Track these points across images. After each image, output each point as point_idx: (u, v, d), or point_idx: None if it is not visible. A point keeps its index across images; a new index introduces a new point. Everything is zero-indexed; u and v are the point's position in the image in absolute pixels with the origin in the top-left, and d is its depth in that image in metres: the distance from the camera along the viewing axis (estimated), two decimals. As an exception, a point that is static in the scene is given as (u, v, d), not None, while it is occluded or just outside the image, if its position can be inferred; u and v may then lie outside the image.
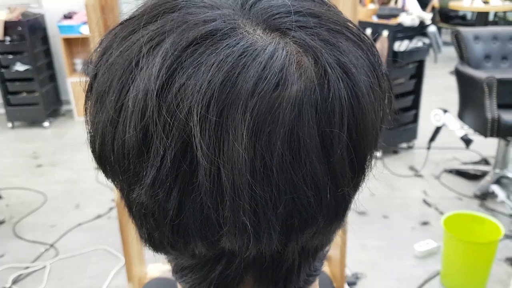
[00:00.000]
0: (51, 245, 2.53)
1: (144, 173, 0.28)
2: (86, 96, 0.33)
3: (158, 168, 0.27)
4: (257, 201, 0.27)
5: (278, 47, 0.27)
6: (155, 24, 0.29)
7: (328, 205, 0.29)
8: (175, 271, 0.36)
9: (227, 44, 0.27)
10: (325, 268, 1.90)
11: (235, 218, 0.27)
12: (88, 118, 0.32)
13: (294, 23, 0.29)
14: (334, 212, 0.31)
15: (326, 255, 0.37)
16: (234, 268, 0.32)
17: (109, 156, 0.30)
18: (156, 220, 0.29)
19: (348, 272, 2.19)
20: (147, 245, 0.34)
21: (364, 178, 0.33)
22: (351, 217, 2.60)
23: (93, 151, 0.32)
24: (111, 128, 0.29)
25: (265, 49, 0.27)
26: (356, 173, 0.30)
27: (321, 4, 0.32)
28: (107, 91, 0.29)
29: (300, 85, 0.27)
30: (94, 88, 0.31)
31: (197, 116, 0.26)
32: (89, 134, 0.32)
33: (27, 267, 2.36)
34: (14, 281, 2.27)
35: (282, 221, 0.28)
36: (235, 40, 0.27)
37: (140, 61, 0.28)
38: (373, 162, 0.32)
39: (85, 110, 0.33)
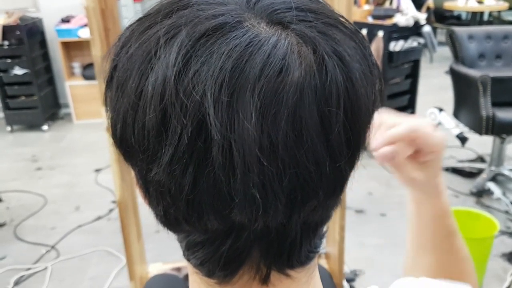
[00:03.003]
0: (52, 247, 2.55)
1: (163, 152, 0.31)
2: (107, 86, 0.36)
3: (176, 146, 0.30)
4: (264, 175, 0.30)
5: (280, 38, 0.31)
6: (170, 19, 0.32)
7: (327, 180, 0.32)
8: (187, 248, 0.38)
9: (235, 35, 0.30)
10: (324, 265, 1.93)
11: (245, 190, 0.30)
12: (108, 106, 0.35)
13: (294, 17, 0.32)
14: (333, 186, 0.34)
15: (324, 234, 0.40)
16: (243, 241, 0.35)
17: (129, 138, 0.33)
18: (172, 197, 0.32)
19: (347, 269, 2.22)
20: (162, 223, 0.37)
21: (359, 156, 0.35)
22: (349, 215, 2.63)
23: (114, 135, 0.35)
24: (132, 112, 0.32)
25: (269, 39, 0.30)
26: (352, 150, 0.33)
27: (317, 1, 0.35)
28: (128, 79, 0.32)
29: (301, 71, 0.30)
30: (115, 78, 0.34)
31: (211, 97, 0.29)
32: (110, 120, 0.35)
33: (28, 269, 2.38)
34: (16, 283, 2.29)
35: (286, 194, 0.31)
36: (242, 32, 0.30)
37: (158, 51, 0.31)
38: (366, 142, 0.36)
39: (105, 99, 0.36)
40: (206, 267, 0.38)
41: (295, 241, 0.36)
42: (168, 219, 0.35)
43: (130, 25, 0.35)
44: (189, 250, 0.38)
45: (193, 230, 0.35)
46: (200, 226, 0.34)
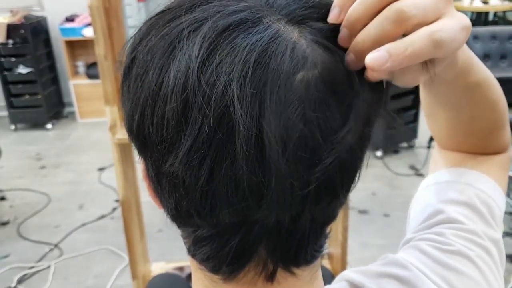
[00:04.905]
0: (56, 245, 2.55)
1: (181, 142, 0.31)
2: (124, 77, 0.36)
3: (196, 137, 0.30)
4: (288, 168, 0.30)
5: (300, 36, 0.32)
6: (192, 13, 0.33)
7: (344, 175, 0.34)
8: (194, 243, 0.38)
9: (256, 31, 0.31)
10: (327, 265, 1.92)
11: (268, 182, 0.31)
12: (125, 98, 0.36)
13: (313, 15, 0.33)
14: (348, 182, 0.35)
15: (328, 234, 0.40)
16: (252, 236, 0.35)
17: (147, 128, 0.33)
18: (186, 188, 0.33)
19: (350, 269, 2.21)
20: (172, 216, 0.37)
21: (367, 144, 0.36)
22: (353, 216, 2.62)
23: (130, 126, 0.35)
24: (151, 102, 0.32)
25: (289, 37, 0.31)
26: (365, 146, 0.35)
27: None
28: (148, 70, 0.33)
29: (319, 69, 0.31)
30: (133, 69, 0.34)
31: (236, 88, 0.30)
32: (126, 111, 0.36)
33: (32, 267, 2.39)
34: (19, 281, 2.30)
35: (304, 187, 0.32)
36: (263, 27, 0.31)
37: (181, 42, 0.31)
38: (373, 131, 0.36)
39: (122, 90, 0.37)
40: (212, 263, 0.38)
41: (303, 238, 0.36)
42: (178, 212, 0.35)
43: (149, 19, 0.36)
44: (196, 245, 0.38)
45: (203, 224, 0.35)
46: (212, 219, 0.34)
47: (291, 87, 0.30)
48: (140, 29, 0.36)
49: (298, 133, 0.30)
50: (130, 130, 0.36)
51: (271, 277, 0.37)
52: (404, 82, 0.36)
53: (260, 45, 0.30)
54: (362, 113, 0.33)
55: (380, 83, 0.35)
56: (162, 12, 0.36)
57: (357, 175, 0.36)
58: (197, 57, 0.30)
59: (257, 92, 0.30)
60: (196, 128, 0.30)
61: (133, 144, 0.36)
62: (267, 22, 0.32)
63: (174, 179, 0.33)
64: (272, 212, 0.32)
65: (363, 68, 0.32)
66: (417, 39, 0.30)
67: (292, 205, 0.32)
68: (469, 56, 0.45)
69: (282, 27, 0.32)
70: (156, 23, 0.35)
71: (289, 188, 0.31)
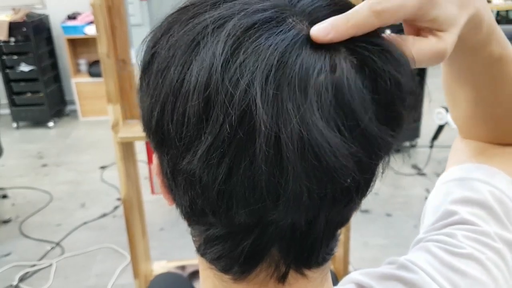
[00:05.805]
0: (57, 244, 2.55)
1: (200, 140, 0.31)
2: (143, 73, 0.36)
3: (216, 135, 0.30)
4: (308, 171, 0.30)
5: None
6: (217, 10, 0.33)
7: (362, 179, 0.33)
8: (205, 242, 0.38)
9: (280, 31, 0.31)
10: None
11: (288, 184, 0.30)
12: (143, 93, 0.36)
13: (335, 15, 0.33)
14: (366, 186, 0.35)
15: (339, 238, 0.40)
16: (266, 237, 0.35)
17: (166, 125, 0.33)
18: (203, 186, 0.32)
19: (352, 269, 2.21)
20: (186, 214, 0.37)
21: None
22: (354, 215, 2.61)
23: (149, 122, 0.35)
24: (172, 98, 0.32)
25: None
26: (386, 152, 0.35)
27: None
28: (170, 66, 0.32)
29: (340, 71, 0.31)
30: (154, 64, 0.34)
31: (258, 87, 0.29)
32: (144, 107, 0.35)
33: (33, 265, 2.39)
34: (21, 279, 2.30)
35: (322, 189, 0.31)
36: (287, 28, 0.31)
37: (205, 39, 0.31)
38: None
39: (140, 86, 0.36)
40: (223, 262, 0.38)
41: (317, 241, 0.36)
42: (193, 210, 0.35)
43: (170, 15, 0.36)
44: (207, 244, 0.38)
45: (217, 223, 0.35)
46: (227, 218, 0.34)
47: (311, 90, 0.30)
48: (161, 25, 0.36)
49: (315, 136, 0.29)
50: (148, 126, 0.35)
51: (282, 278, 0.37)
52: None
53: (283, 46, 0.30)
54: (377, 125, 0.32)
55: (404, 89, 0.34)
56: (184, 7, 0.35)
57: (374, 178, 0.35)
58: (221, 54, 0.30)
59: (278, 92, 0.29)
60: (217, 127, 0.30)
61: (149, 140, 0.36)
62: (291, 22, 0.32)
63: (190, 177, 0.33)
64: (288, 214, 0.32)
65: (387, 74, 0.32)
66: (358, 11, 0.32)
67: (308, 208, 0.32)
68: (494, 24, 0.45)
69: (306, 28, 0.32)
70: (178, 19, 0.34)
71: (306, 191, 0.31)
